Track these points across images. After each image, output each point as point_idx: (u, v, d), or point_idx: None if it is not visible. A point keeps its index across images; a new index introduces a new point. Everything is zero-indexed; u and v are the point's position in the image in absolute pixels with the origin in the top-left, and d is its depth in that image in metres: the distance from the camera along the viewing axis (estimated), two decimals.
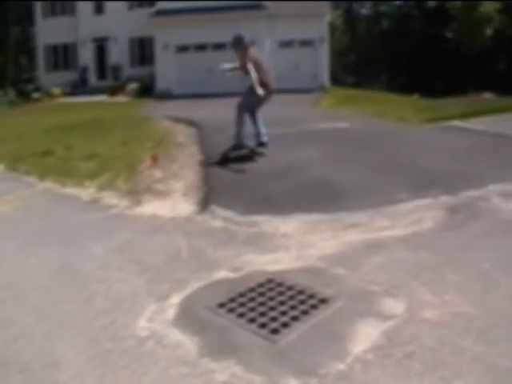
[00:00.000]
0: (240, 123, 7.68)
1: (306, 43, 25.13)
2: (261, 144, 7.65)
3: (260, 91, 7.23)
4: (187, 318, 3.23)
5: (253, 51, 7.65)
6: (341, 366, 2.63)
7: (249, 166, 7.11)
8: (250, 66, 7.31)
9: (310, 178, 6.48)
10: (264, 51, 23.96)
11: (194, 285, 3.70)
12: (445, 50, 34.81)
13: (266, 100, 7.69)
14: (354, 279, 3.66)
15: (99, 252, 4.53)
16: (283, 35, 24.43)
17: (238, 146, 7.76)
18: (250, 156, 7.55)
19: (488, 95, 23.84)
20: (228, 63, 7.94)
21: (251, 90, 7.43)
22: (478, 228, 4.68)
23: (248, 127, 7.80)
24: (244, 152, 7.68)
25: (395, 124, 11.37)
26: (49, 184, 7.30)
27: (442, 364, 2.62)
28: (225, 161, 7.46)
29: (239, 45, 7.51)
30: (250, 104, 7.68)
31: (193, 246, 4.51)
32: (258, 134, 7.70)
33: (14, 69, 36.32)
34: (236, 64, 7.71)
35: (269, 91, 7.54)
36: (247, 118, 7.77)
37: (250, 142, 7.76)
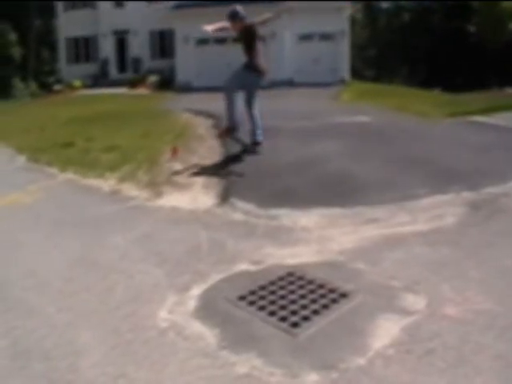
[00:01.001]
0: (231, 109, 7.35)
1: (326, 37, 25.06)
2: (256, 143, 7.42)
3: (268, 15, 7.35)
4: (208, 309, 3.24)
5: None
6: (361, 361, 2.62)
7: (270, 159, 7.09)
8: (255, 24, 7.27)
9: (329, 171, 6.45)
10: (284, 44, 23.99)
11: (215, 277, 3.71)
12: (466, 44, 34.44)
13: (259, 82, 7.49)
14: (374, 274, 3.64)
15: (120, 243, 4.56)
16: (303, 29, 24.38)
17: (231, 128, 7.51)
18: (239, 155, 7.33)
19: (511, 91, 23.50)
20: (210, 25, 7.41)
21: (246, 68, 7.27)
22: (499, 225, 4.62)
23: (246, 125, 7.59)
24: (237, 150, 7.51)
25: (416, 119, 11.25)
26: (70, 175, 7.37)
27: (462, 361, 2.60)
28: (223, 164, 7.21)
29: (236, 18, 7.25)
30: (239, 80, 7.33)
31: (213, 239, 4.52)
32: (253, 133, 7.46)
33: (36, 61, 36.77)
34: (225, 25, 7.37)
35: (262, 72, 7.36)
36: (239, 103, 7.42)
37: (247, 140, 7.58)
